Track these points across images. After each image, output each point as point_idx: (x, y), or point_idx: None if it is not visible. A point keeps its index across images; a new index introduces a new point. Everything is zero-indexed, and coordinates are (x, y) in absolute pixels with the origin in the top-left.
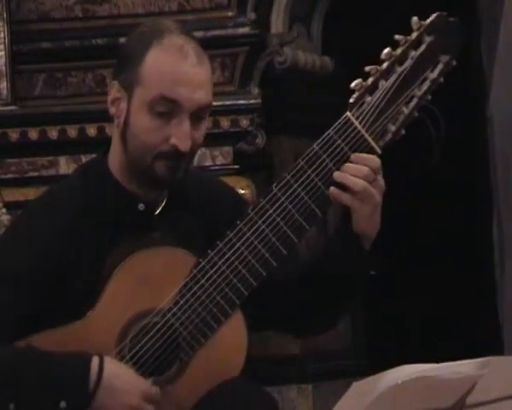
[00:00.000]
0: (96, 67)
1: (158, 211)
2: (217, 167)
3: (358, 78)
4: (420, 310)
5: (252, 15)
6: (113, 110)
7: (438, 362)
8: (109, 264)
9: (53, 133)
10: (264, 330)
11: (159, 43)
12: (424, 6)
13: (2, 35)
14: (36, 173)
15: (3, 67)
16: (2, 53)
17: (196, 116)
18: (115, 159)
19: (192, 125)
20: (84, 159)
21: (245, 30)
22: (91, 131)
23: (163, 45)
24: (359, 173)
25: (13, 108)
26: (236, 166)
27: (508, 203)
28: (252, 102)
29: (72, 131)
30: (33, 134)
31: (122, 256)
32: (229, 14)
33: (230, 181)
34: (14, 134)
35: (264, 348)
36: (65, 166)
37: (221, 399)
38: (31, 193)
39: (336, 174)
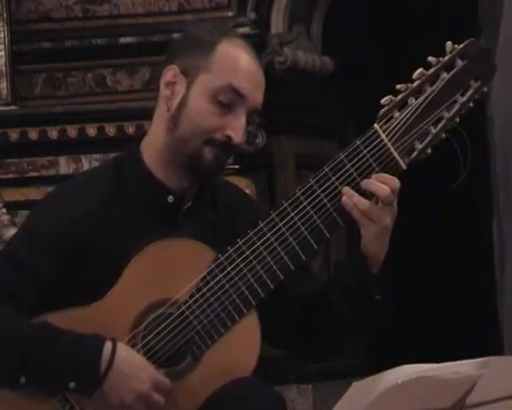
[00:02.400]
0: (96, 67)
1: (186, 206)
2: None
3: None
4: (420, 310)
5: (252, 15)
6: (166, 92)
7: (438, 362)
8: (132, 252)
9: (53, 133)
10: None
11: (229, 39)
12: (424, 6)
13: (2, 35)
14: (36, 173)
15: (3, 67)
16: (2, 53)
17: (247, 118)
18: (152, 145)
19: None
20: (83, 159)
21: (245, 30)
22: (91, 131)
23: (234, 42)
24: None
25: (13, 108)
26: (236, 167)
27: (508, 203)
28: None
29: (72, 131)
30: (33, 134)
31: (143, 245)
32: (229, 14)
33: (230, 181)
34: (14, 134)
35: (264, 348)
36: (65, 166)
37: (229, 398)
38: (31, 193)
39: (343, 190)
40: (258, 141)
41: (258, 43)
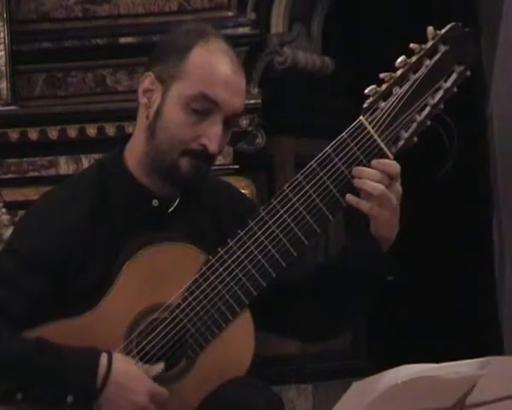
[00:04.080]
0: (96, 67)
1: (171, 209)
2: (217, 167)
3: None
4: (420, 310)
5: (252, 15)
6: (143, 100)
7: (438, 362)
8: (121, 258)
9: (53, 133)
10: (270, 332)
11: (204, 44)
12: (424, 6)
13: (2, 35)
14: (36, 173)
15: (3, 67)
16: (2, 53)
17: (227, 122)
18: (135, 151)
19: (222, 130)
20: (83, 159)
21: (245, 30)
22: (91, 131)
23: (209, 46)
24: (375, 178)
25: (13, 108)
26: (236, 166)
27: (508, 203)
28: (252, 102)
29: (72, 131)
30: (33, 134)
31: (133, 250)
32: (229, 14)
33: (230, 181)
34: (14, 134)
35: (263, 348)
36: (65, 166)
37: (226, 397)
38: (31, 193)
39: (355, 181)
40: (258, 141)
41: (258, 43)
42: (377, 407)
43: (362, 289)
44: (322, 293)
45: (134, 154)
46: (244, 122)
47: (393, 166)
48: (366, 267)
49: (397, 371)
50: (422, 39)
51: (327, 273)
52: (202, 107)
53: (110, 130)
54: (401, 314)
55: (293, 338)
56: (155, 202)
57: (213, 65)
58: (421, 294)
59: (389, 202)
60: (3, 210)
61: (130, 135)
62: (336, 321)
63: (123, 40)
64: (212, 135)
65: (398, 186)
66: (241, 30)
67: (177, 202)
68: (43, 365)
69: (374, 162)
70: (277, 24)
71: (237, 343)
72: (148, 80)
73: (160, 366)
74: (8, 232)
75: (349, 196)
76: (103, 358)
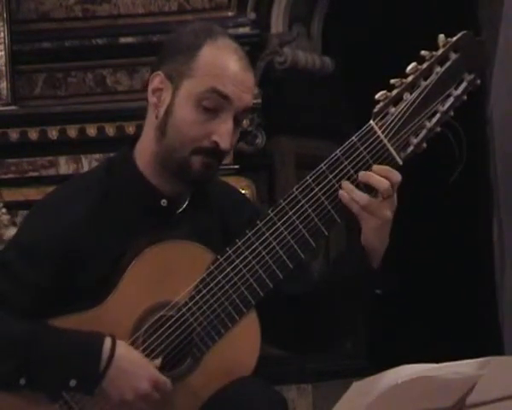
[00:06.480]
0: (96, 67)
1: (180, 209)
2: None
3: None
4: (420, 310)
5: (252, 15)
6: (153, 100)
7: (438, 362)
8: (128, 255)
9: (53, 133)
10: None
11: (213, 42)
12: (424, 7)
13: (2, 35)
14: (36, 173)
15: (3, 67)
16: (2, 53)
17: (236, 119)
18: (145, 151)
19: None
20: (83, 159)
21: (245, 30)
22: (91, 131)
23: (218, 44)
24: (378, 184)
25: (13, 108)
26: (236, 167)
27: (508, 203)
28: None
29: (72, 131)
30: (33, 134)
31: (141, 248)
32: (229, 14)
33: (230, 181)
34: (14, 134)
35: (264, 348)
36: (65, 166)
37: (230, 397)
38: (31, 193)
39: (362, 175)
40: (258, 141)
41: (258, 43)
42: (377, 407)
43: (351, 302)
44: (316, 304)
45: (144, 153)
46: (244, 122)
47: (395, 174)
48: (354, 280)
49: (397, 372)
50: (422, 39)
51: (322, 284)
52: (213, 103)
53: (110, 130)
54: (401, 314)
55: (289, 348)
56: (164, 202)
57: (223, 61)
58: (421, 294)
59: (379, 212)
60: (3, 210)
61: (132, 135)
62: (329, 333)
63: (123, 40)
64: (223, 132)
65: (393, 197)
66: (241, 30)
67: (186, 204)
68: (45, 347)
69: (375, 167)
70: (277, 24)
71: (243, 344)
72: (157, 79)
73: (157, 363)
74: (8, 232)
75: (342, 193)
76: (107, 342)
